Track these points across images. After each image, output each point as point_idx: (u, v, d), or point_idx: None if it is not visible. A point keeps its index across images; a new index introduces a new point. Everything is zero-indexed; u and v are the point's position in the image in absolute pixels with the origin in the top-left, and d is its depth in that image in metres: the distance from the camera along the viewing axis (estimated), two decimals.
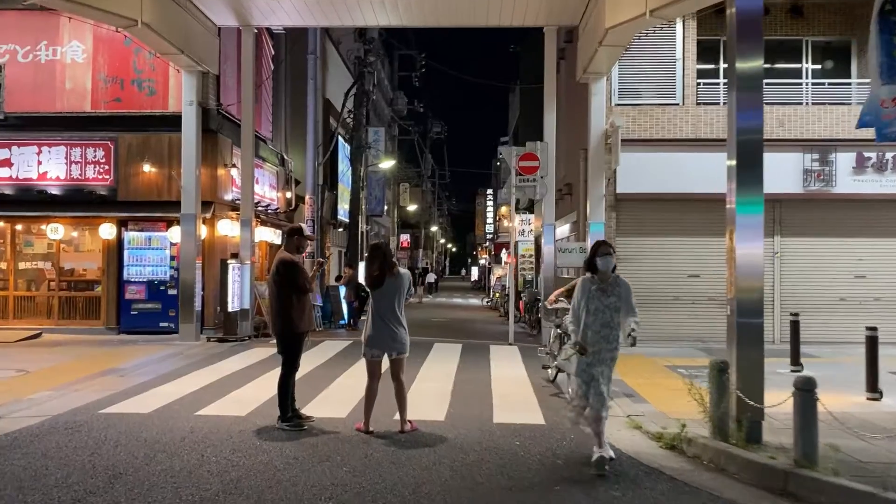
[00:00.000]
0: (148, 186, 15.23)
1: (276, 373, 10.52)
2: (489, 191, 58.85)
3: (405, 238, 52.45)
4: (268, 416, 7.70)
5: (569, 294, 8.90)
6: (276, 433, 7.05)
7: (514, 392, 9.37)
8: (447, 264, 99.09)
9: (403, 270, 7.37)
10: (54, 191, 15.16)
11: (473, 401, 8.75)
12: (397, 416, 7.46)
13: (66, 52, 15.13)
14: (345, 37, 29.57)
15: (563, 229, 21.25)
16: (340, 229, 28.59)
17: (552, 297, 9.16)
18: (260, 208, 18.08)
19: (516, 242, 31.83)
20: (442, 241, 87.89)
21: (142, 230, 15.37)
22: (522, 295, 26.96)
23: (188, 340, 14.01)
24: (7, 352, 12.64)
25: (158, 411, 7.91)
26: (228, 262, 14.70)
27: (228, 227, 15.58)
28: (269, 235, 18.58)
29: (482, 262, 79.27)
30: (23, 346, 13.68)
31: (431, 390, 9.31)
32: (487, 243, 61.04)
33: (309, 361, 11.25)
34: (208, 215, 15.10)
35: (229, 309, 14.62)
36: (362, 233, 30.56)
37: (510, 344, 14.73)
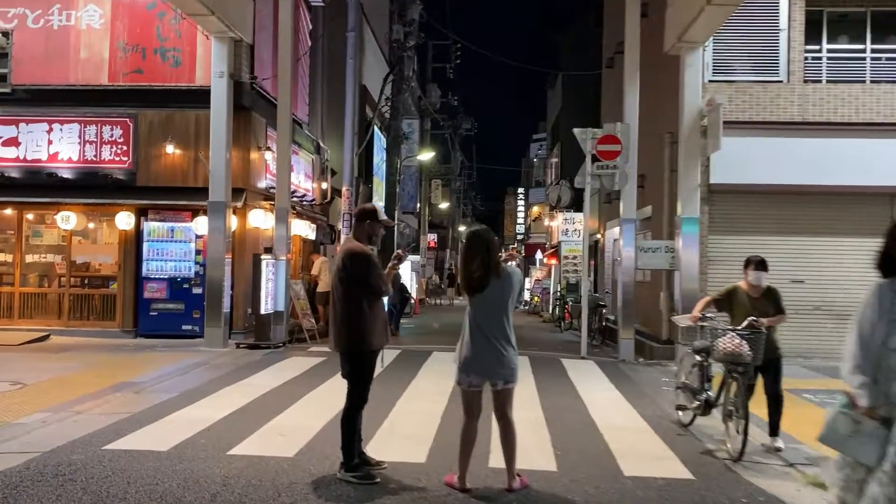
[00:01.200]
0: (171, 170, 13.46)
1: (323, 391, 8.72)
2: (520, 189, 56.81)
3: (432, 238, 50.56)
4: (323, 457, 5.82)
5: (718, 304, 6.90)
6: (339, 488, 5.15)
7: (627, 428, 7.40)
8: None
9: (513, 268, 5.44)
10: (66, 174, 13.42)
11: (581, 440, 6.79)
12: (495, 464, 5.57)
13: (82, 17, 13.38)
14: (378, 28, 27.70)
15: (614, 232, 19.32)
16: None
17: (696, 309, 7.00)
18: (294, 199, 16.26)
19: (558, 243, 29.95)
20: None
21: (163, 220, 13.60)
22: (569, 299, 24.99)
23: (215, 347, 12.21)
24: (7, 358, 10.88)
25: (180, 448, 6.04)
26: (262, 257, 12.86)
27: (261, 219, 13.74)
28: (304, 229, 16.73)
29: (511, 264, 76.74)
30: (27, 350, 11.93)
31: (522, 422, 7.36)
32: (517, 244, 59.09)
33: None
34: (239, 204, 13.27)
35: (262, 311, 12.78)
36: (398, 230, 28.73)
37: (583, 358, 12.75)
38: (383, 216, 5.62)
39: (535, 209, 50.79)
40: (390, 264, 5.74)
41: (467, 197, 63.04)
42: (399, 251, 6.00)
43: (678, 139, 13.45)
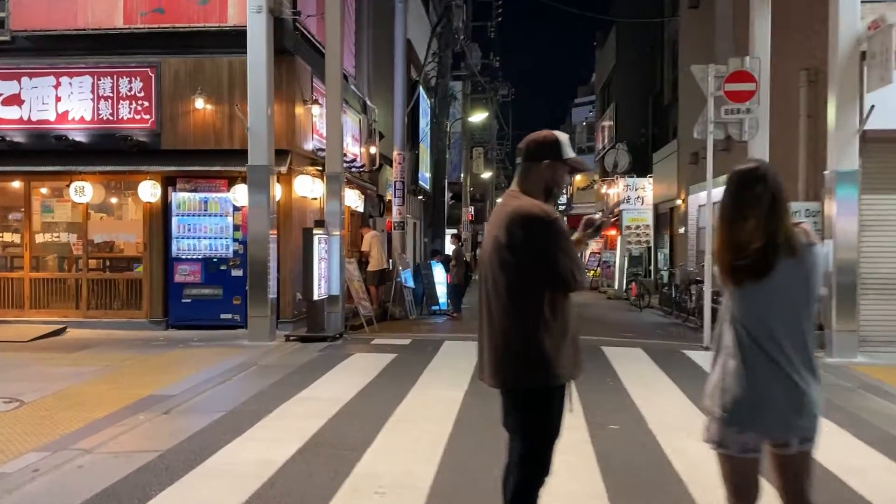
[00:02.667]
0: (202, 130, 11.30)
1: (413, 408, 6.37)
2: None
3: (470, 211, 48.16)
4: None
5: None
6: None
7: (858, 454, 5.12)
8: None
9: (815, 244, 3.09)
10: (78, 137, 11.33)
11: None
12: None
13: None
14: None
15: (702, 196, 16.99)
16: (419, 197, 24.51)
17: None
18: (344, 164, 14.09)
19: (619, 211, 27.47)
20: None
21: (195, 190, 11.48)
22: (636, 272, 22.56)
23: (260, 340, 10.11)
24: (11, 359, 8.88)
25: None
26: (314, 232, 10.69)
27: (308, 187, 11.55)
28: (353, 200, 14.53)
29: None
30: (37, 347, 9.94)
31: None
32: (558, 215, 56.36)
33: (442, 379, 7.25)
34: (283, 169, 11.07)
35: (314, 296, 10.65)
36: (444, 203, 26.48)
37: (706, 349, 10.45)
38: (570, 152, 3.32)
39: (579, 178, 48.17)
40: (579, 234, 3.49)
41: (505, 166, 60.41)
42: (594, 217, 3.75)
43: (817, 77, 10.99)
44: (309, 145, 12.05)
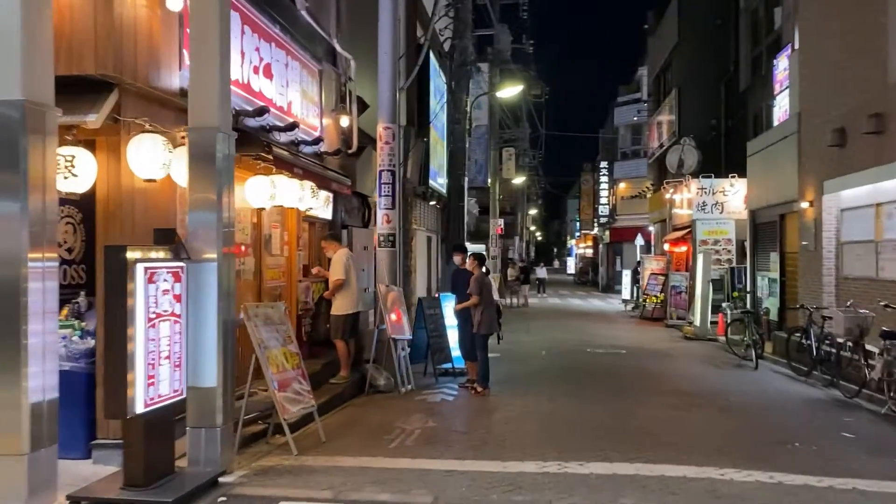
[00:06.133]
0: None
1: None
2: (603, 164, 47.83)
3: (500, 224, 42.04)
4: None
5: None
6: None
7: None
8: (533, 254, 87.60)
9: None
10: None
11: None
12: None
13: None
14: None
15: (856, 193, 10.95)
16: (433, 202, 18.52)
17: None
18: (282, 137, 8.20)
19: (691, 222, 21.25)
20: (532, 227, 76.84)
21: None
22: (727, 308, 16.25)
23: None
24: None
25: None
26: (135, 257, 4.69)
27: (161, 158, 5.58)
28: (309, 199, 8.52)
29: (580, 251, 67.92)
30: None
31: None
32: (598, 228, 50.09)
33: None
34: (92, 119, 5.18)
35: (136, 407, 4.63)
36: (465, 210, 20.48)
37: None
38: None
39: (623, 185, 41.89)
40: None
41: (537, 174, 54.22)
42: None
43: None
44: (173, 80, 6.07)
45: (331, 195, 10.30)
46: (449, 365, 11.03)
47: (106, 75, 5.25)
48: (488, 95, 24.57)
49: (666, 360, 13.38)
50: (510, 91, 19.09)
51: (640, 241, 33.81)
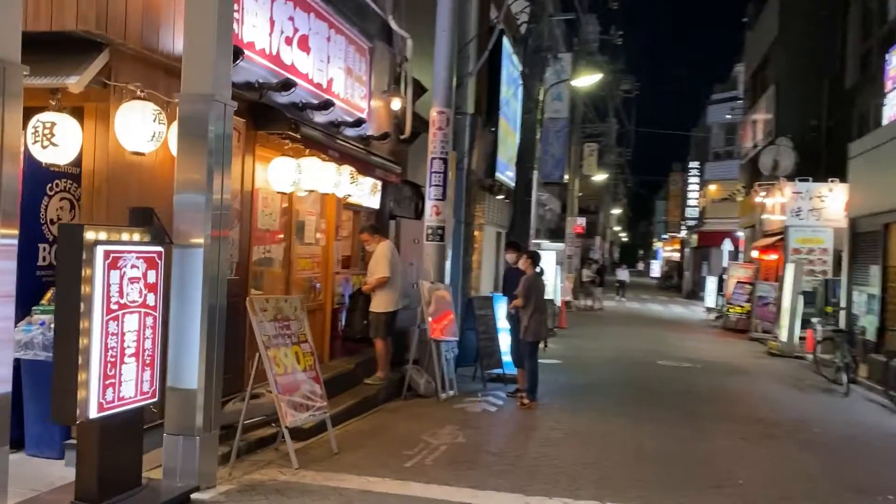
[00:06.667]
0: None
1: None
2: (692, 164, 45.67)
3: (580, 223, 40.62)
4: None
5: None
6: None
7: None
8: (617, 256, 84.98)
9: None
10: None
11: None
12: None
13: None
14: None
15: None
16: (500, 196, 17.67)
17: None
18: (320, 119, 7.56)
19: (784, 228, 19.60)
20: (616, 228, 74.61)
21: None
22: (818, 324, 14.66)
23: None
24: None
25: None
26: (92, 238, 4.07)
27: (150, 129, 4.99)
28: (343, 184, 7.85)
29: (666, 254, 65.36)
30: None
31: None
32: (685, 231, 47.93)
33: None
34: (72, 83, 4.61)
35: (88, 411, 4.03)
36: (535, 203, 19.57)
37: None
38: None
39: (713, 187, 39.75)
40: None
41: (622, 173, 52.39)
42: None
43: None
44: (176, 42, 5.47)
45: (378, 183, 9.62)
46: (500, 371, 10.23)
47: (90, 33, 4.67)
48: (569, 88, 23.46)
49: (744, 378, 12.13)
50: (588, 80, 17.93)
51: (728, 246, 31.93)
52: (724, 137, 39.88)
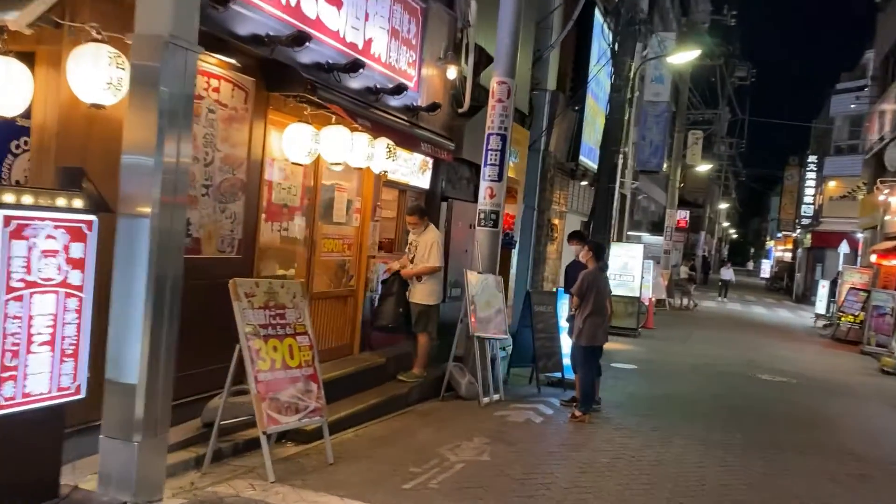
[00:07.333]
0: None
1: None
2: (811, 158, 42.31)
3: (683, 216, 38.32)
4: None
5: None
6: None
7: None
8: (726, 253, 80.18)
9: None
10: None
11: None
12: None
13: None
14: None
15: None
16: (585, 182, 16.43)
17: None
18: (354, 84, 6.73)
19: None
20: (725, 223, 70.76)
21: None
22: None
23: None
24: None
25: None
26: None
27: (106, 75, 4.26)
28: (378, 157, 7.01)
29: (778, 253, 61.24)
30: None
31: None
32: (799, 231, 44.56)
33: None
34: (15, 16, 3.94)
35: None
36: (622, 194, 18.18)
37: None
38: None
39: (833, 184, 36.53)
40: None
41: (734, 165, 49.24)
42: None
43: None
44: None
45: (428, 160, 8.73)
46: (559, 374, 9.20)
47: None
48: (671, 70, 21.76)
49: (848, 400, 10.56)
50: (684, 56, 16.32)
51: (844, 248, 29.18)
52: (848, 130, 36.55)
